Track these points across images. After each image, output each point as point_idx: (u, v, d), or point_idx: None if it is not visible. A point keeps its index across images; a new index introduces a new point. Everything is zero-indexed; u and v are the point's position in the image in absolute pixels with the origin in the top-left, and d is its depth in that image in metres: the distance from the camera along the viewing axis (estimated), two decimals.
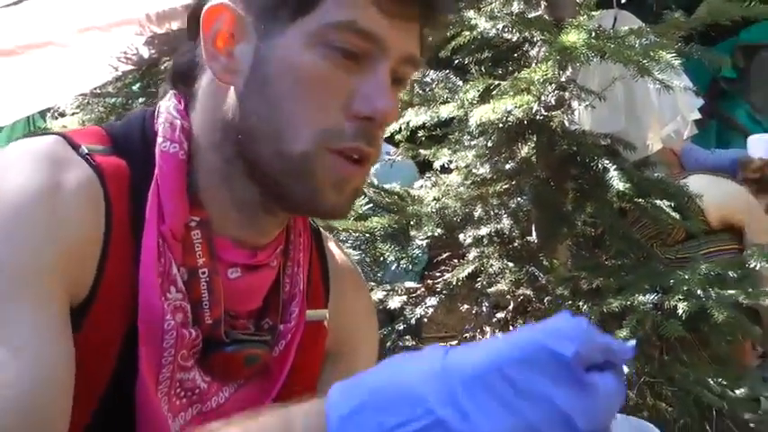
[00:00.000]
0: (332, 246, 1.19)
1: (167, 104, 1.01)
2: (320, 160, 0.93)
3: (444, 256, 2.60)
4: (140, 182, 0.95)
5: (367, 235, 2.21)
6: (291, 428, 0.60)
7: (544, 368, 0.59)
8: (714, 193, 3.28)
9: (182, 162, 0.97)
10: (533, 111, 2.07)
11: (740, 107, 5.57)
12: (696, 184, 3.14)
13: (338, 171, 0.94)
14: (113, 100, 3.56)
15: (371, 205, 2.30)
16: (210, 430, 0.63)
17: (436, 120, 2.46)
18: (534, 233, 2.46)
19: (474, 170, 2.43)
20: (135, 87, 3.58)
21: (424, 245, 2.36)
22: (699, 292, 2.30)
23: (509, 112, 2.08)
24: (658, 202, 2.62)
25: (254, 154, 0.95)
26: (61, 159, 0.92)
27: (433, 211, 2.24)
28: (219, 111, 0.97)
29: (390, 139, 2.81)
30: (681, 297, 2.24)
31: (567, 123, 2.41)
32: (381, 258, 2.20)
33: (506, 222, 2.40)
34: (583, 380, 0.59)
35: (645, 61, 2.17)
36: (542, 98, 2.08)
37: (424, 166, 2.82)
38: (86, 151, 0.94)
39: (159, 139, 0.97)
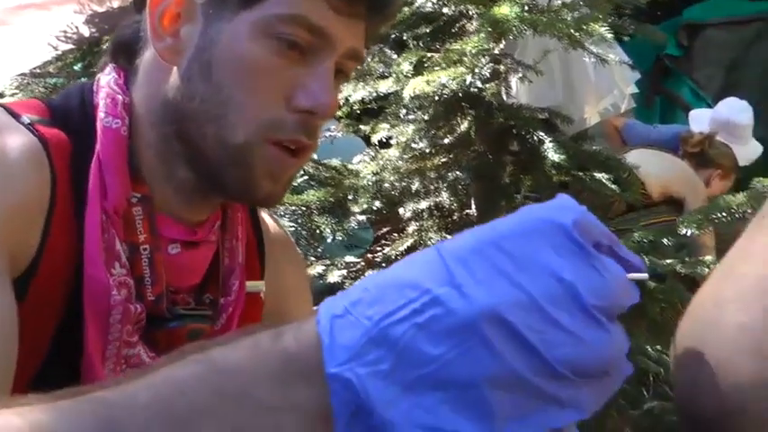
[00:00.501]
0: (265, 216, 1.20)
1: (107, 78, 1.01)
2: (259, 151, 0.94)
3: (385, 230, 2.61)
4: (81, 156, 0.95)
5: (303, 208, 2.21)
6: (281, 338, 0.56)
7: (544, 238, 0.54)
8: (654, 167, 3.35)
9: (123, 138, 0.97)
10: (467, 83, 2.08)
11: (684, 85, 5.66)
12: (637, 158, 3.19)
13: (276, 162, 0.95)
14: (54, 80, 3.49)
15: (306, 178, 2.29)
16: (203, 347, 0.58)
17: (375, 95, 2.46)
18: (473, 206, 2.48)
19: (413, 144, 2.44)
20: (76, 67, 3.52)
21: (364, 219, 2.37)
22: None
23: (444, 85, 2.09)
24: (598, 174, 2.65)
25: (193, 137, 0.96)
26: (4, 125, 0.92)
27: (370, 183, 2.25)
28: (161, 89, 0.97)
29: None
30: None
31: (504, 97, 2.44)
32: (318, 232, 2.20)
33: (445, 196, 2.42)
34: (587, 249, 0.54)
35: (577, 34, 2.20)
36: (476, 71, 2.09)
37: (369, 142, 2.83)
38: (28, 121, 0.94)
39: (101, 114, 0.98)
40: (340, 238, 2.22)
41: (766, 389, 0.59)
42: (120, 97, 0.98)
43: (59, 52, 3.28)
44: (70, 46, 3.29)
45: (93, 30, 3.29)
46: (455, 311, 0.53)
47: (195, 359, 0.57)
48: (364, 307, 0.54)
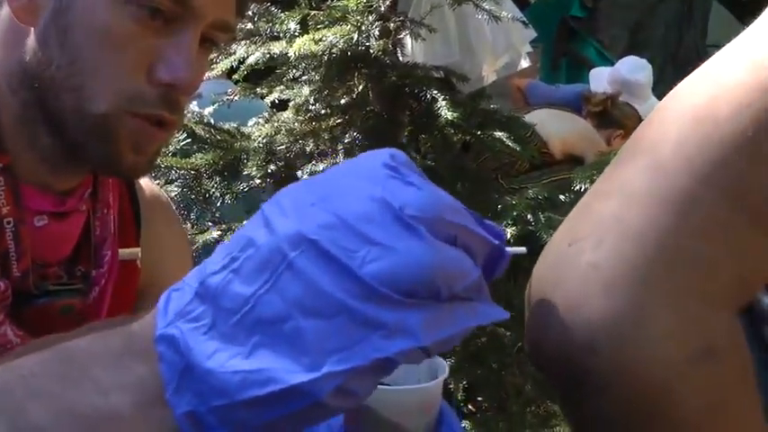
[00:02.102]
0: (142, 179, 1.16)
1: None
2: (120, 123, 0.89)
3: None
4: None
5: (193, 172, 2.17)
6: (131, 322, 0.56)
7: (361, 171, 0.53)
8: (555, 126, 3.39)
9: None
10: (354, 41, 2.06)
11: (590, 46, 5.74)
12: (538, 117, 3.22)
13: (139, 133, 0.90)
14: None
15: (190, 140, 2.25)
16: (62, 337, 0.57)
17: (269, 56, 2.42)
18: None
19: (311, 106, 2.41)
20: None
21: (259, 182, 2.34)
22: (529, 216, 2.35)
23: (333, 44, 2.06)
24: (498, 133, 2.66)
25: (52, 106, 0.90)
26: None
27: (261, 146, 2.21)
28: (18, 51, 0.91)
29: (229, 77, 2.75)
30: (510, 221, 2.28)
31: (400, 56, 2.42)
32: (208, 196, 2.16)
33: (342, 157, 2.40)
34: (402, 171, 0.52)
35: None
36: (363, 28, 2.06)
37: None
38: None
39: None
40: (229, 202, 2.18)
41: (613, 324, 0.59)
42: None
43: None
44: None
45: None
46: (262, 246, 0.51)
47: (48, 346, 0.56)
48: (196, 274, 0.53)
